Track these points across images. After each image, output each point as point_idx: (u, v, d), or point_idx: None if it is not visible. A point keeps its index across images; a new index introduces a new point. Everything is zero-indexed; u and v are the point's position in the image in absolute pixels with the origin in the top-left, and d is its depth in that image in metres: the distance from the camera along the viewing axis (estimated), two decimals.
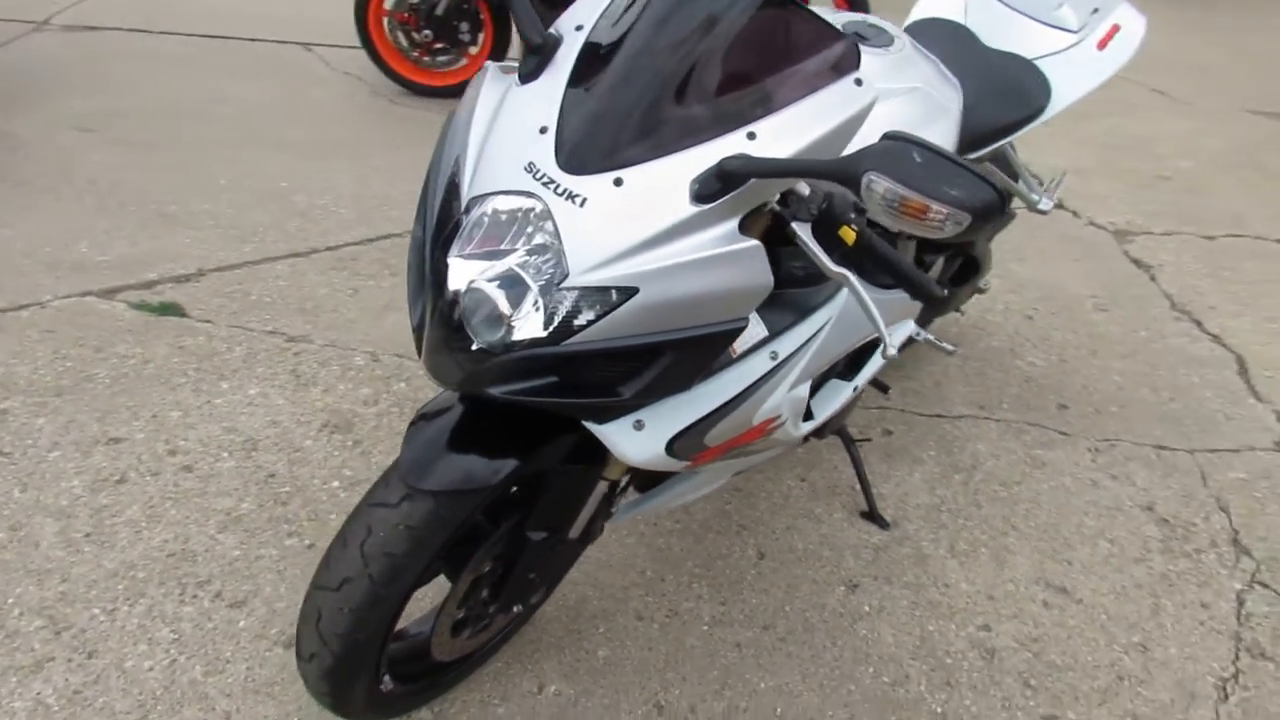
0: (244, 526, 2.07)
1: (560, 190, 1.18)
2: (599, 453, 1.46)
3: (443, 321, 1.22)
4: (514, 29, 4.17)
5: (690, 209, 1.16)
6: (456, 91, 4.36)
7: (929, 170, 1.03)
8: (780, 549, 2.13)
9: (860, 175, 1.05)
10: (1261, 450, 2.54)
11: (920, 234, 1.07)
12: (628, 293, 1.16)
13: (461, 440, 1.37)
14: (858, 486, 2.26)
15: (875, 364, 1.79)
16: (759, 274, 1.21)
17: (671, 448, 1.32)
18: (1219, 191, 4.04)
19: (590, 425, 1.30)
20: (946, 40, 2.11)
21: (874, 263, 1.28)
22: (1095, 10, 2.15)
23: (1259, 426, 2.63)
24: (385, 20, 4.22)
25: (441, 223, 1.27)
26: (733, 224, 1.19)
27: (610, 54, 1.25)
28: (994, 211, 1.03)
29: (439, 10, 4.10)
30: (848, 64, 1.25)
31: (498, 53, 4.27)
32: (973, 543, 2.19)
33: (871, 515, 2.21)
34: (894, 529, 2.20)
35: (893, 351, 1.29)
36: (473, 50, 4.29)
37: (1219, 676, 1.92)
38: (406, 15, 4.18)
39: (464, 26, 4.17)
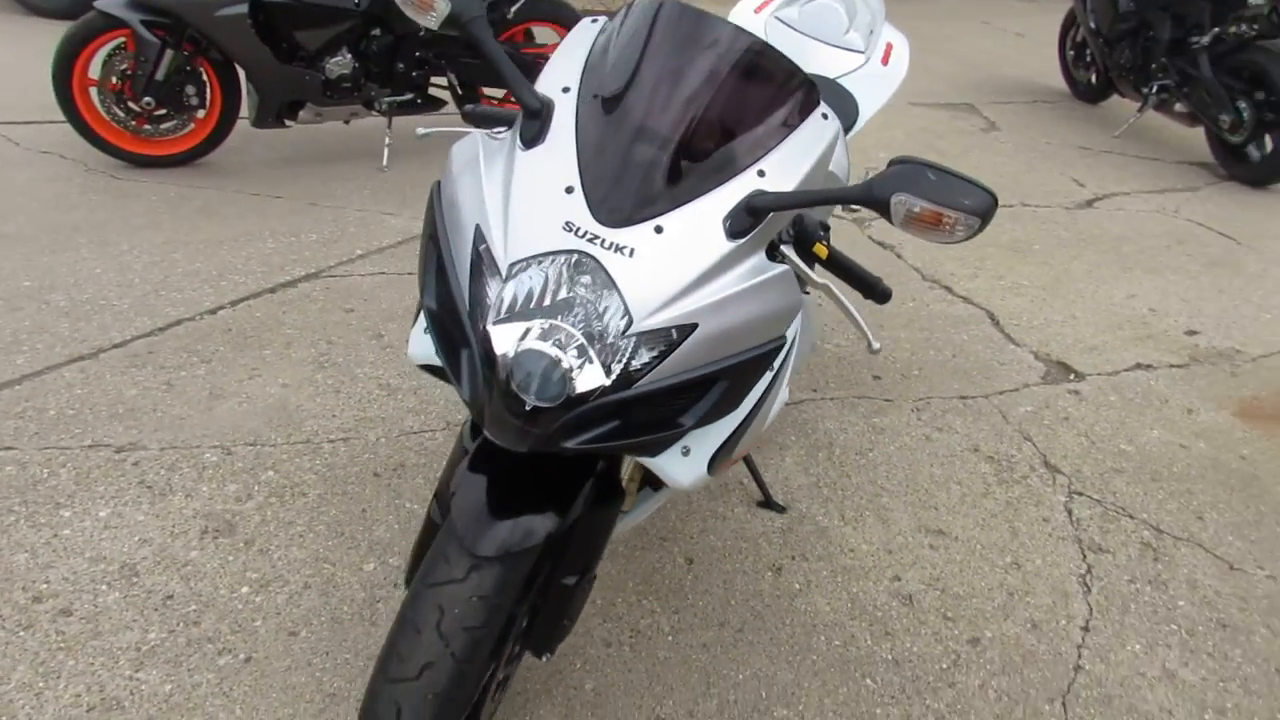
0: (162, 658, 1.87)
1: (607, 244, 1.24)
2: (617, 489, 1.52)
3: (503, 390, 1.23)
4: (243, 87, 3.98)
5: (728, 245, 1.27)
6: (187, 159, 4.07)
7: (942, 186, 1.21)
8: (703, 551, 2.26)
9: (889, 197, 1.21)
10: (1035, 385, 3.04)
11: (932, 240, 1.26)
12: (688, 330, 1.25)
13: (504, 502, 1.38)
14: (745, 481, 2.45)
15: (791, 364, 1.98)
16: (794, 294, 1.34)
17: (711, 466, 1.41)
18: None
19: (644, 460, 1.37)
20: None
21: (839, 271, 1.47)
22: (872, 32, 2.49)
23: (1025, 366, 3.14)
24: (93, 91, 3.84)
25: (477, 292, 1.27)
26: (762, 253, 1.31)
27: (612, 111, 1.33)
28: (993, 214, 1.24)
29: (159, 75, 3.80)
30: (812, 100, 1.42)
31: (228, 113, 4.03)
32: (857, 509, 2.44)
33: (768, 503, 2.40)
34: (790, 511, 2.41)
35: (877, 345, 1.47)
36: (200, 114, 4.01)
37: (1078, 575, 2.30)
38: (118, 84, 3.83)
39: (190, 90, 3.90)
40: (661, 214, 1.26)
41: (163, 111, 3.93)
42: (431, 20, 1.39)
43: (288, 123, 4.09)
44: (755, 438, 1.53)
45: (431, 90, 4.32)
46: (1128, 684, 2.02)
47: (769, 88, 1.39)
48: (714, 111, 1.33)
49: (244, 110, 4.06)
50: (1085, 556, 2.36)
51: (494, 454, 1.42)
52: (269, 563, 2.11)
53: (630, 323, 1.22)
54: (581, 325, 1.22)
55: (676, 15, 1.40)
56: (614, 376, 1.24)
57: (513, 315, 1.24)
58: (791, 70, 1.41)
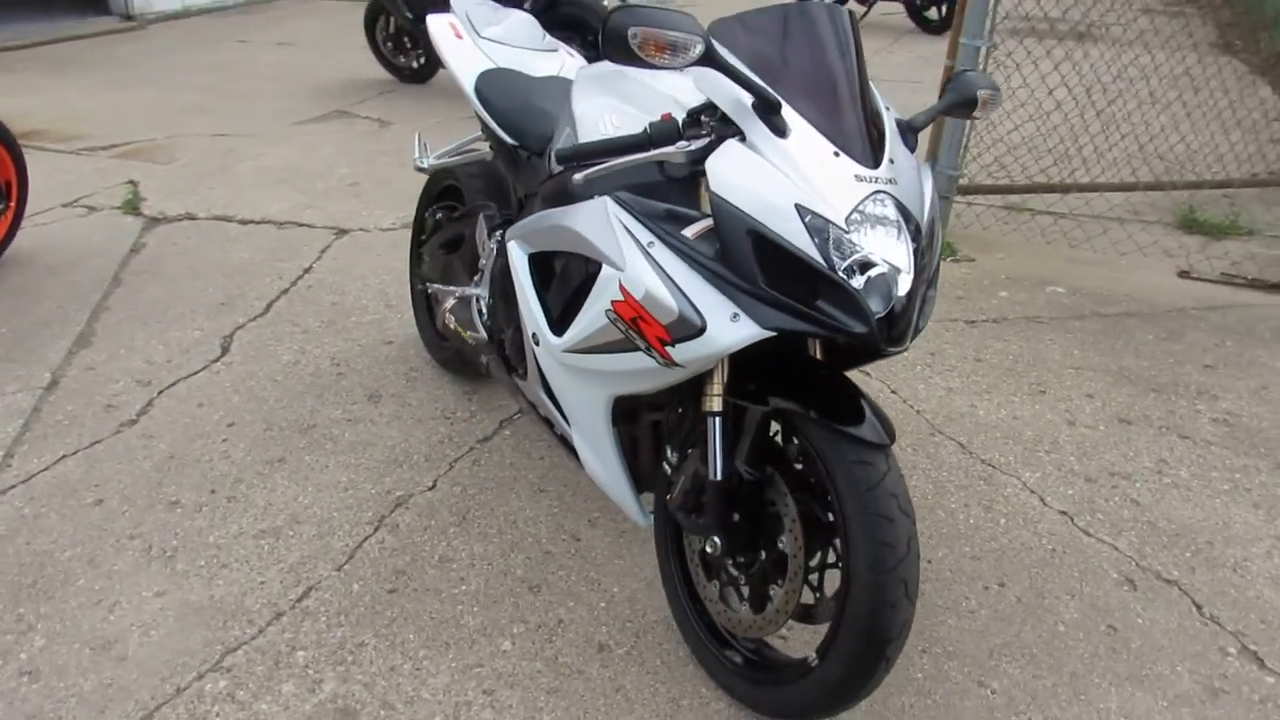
0: None
1: (884, 180, 1.65)
2: None
3: (871, 306, 1.58)
4: None
5: (913, 157, 1.78)
6: None
7: (989, 80, 1.89)
8: None
9: (976, 94, 1.85)
10: None
11: (987, 116, 1.93)
12: (933, 220, 1.75)
13: (852, 408, 1.72)
14: None
15: None
16: None
17: None
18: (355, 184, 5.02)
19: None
20: (510, 80, 2.61)
21: None
22: (546, 36, 2.89)
23: None
24: None
25: (824, 249, 1.58)
26: None
27: (813, 93, 1.69)
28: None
29: None
30: None
31: None
32: None
33: None
34: None
35: None
36: None
37: None
38: None
39: None
40: (885, 150, 1.70)
41: None
42: (680, 62, 1.55)
43: None
44: None
45: None
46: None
47: (855, 44, 1.84)
48: (858, 72, 1.76)
49: None
50: None
51: (814, 383, 1.75)
52: (431, 704, 1.95)
53: (918, 227, 1.68)
54: (899, 241, 1.63)
55: (799, 12, 1.76)
56: (916, 270, 1.67)
57: (860, 252, 1.59)
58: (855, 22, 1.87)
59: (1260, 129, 5.48)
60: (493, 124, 2.53)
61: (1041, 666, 2.07)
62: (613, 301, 1.80)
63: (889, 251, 1.62)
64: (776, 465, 1.83)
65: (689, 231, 1.71)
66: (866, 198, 1.62)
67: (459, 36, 2.75)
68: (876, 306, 1.59)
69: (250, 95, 6.70)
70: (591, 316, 1.87)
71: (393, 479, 2.64)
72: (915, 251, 1.64)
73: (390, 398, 3.02)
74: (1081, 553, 2.40)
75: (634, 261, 1.76)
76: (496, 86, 2.59)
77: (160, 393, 3.03)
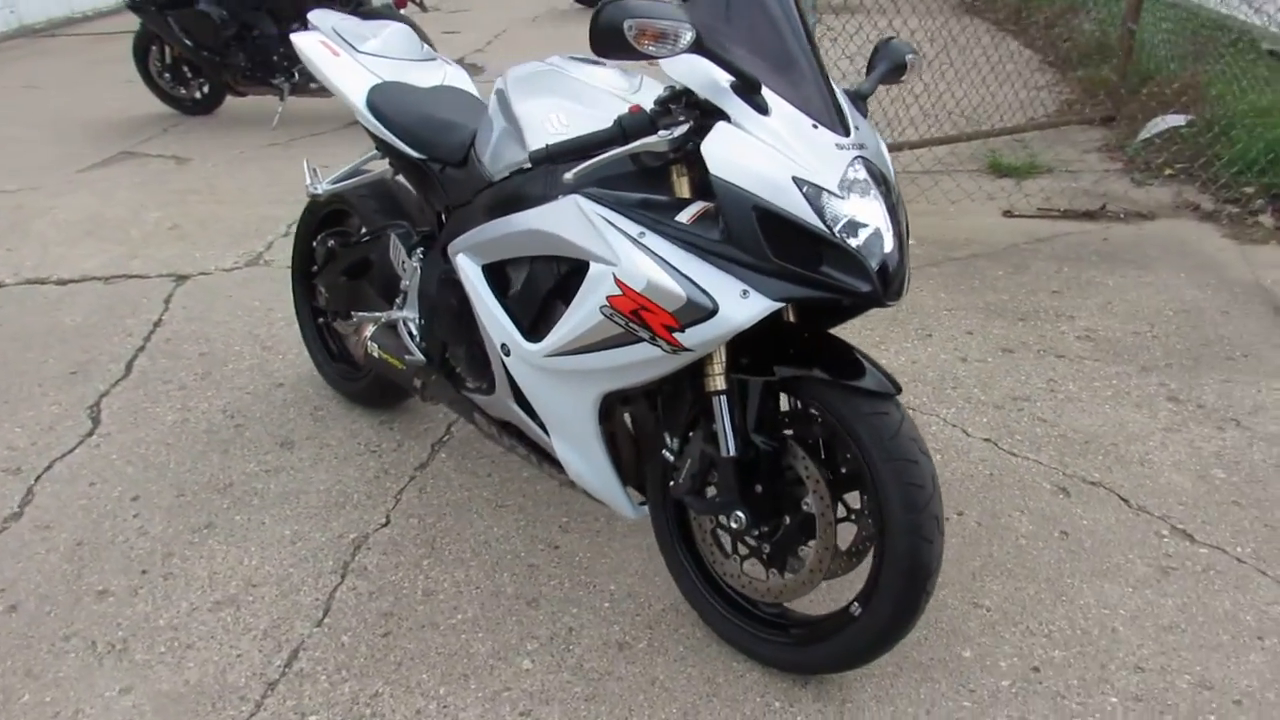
0: None
1: (858, 146, 1.74)
2: None
3: (871, 265, 1.68)
4: None
5: (868, 121, 1.88)
6: None
7: (910, 46, 2.02)
8: None
9: (905, 59, 1.97)
10: None
11: (908, 80, 2.06)
12: (896, 180, 1.85)
13: (858, 361, 1.81)
14: None
15: None
16: None
17: None
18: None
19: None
20: (403, 94, 2.52)
21: None
22: (425, 46, 2.80)
23: None
24: None
25: (824, 216, 1.65)
26: None
27: (780, 71, 1.74)
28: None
29: None
30: None
31: None
32: None
33: None
34: None
35: None
36: None
37: None
38: None
39: None
40: (849, 118, 1.79)
41: None
42: (668, 50, 1.56)
43: None
44: None
45: None
46: None
47: (803, 19, 1.90)
48: (811, 47, 1.83)
49: None
50: None
51: (807, 348, 1.82)
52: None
53: (888, 185, 1.78)
54: (876, 201, 1.73)
55: None
56: (894, 225, 1.77)
57: (847, 215, 1.67)
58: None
59: (1022, 78, 6.07)
60: (394, 140, 2.44)
61: (1019, 578, 2.25)
62: (608, 297, 1.79)
63: (870, 212, 1.70)
64: (784, 431, 1.90)
65: (683, 217, 1.74)
66: (849, 164, 1.70)
67: (335, 54, 2.62)
68: (873, 264, 1.67)
69: (14, 144, 6.06)
70: (582, 316, 1.86)
71: (340, 523, 2.50)
72: (889, 209, 1.74)
73: (305, 441, 2.86)
74: (1014, 472, 2.62)
75: (628, 254, 1.76)
76: (391, 101, 2.49)
77: (37, 479, 2.73)
